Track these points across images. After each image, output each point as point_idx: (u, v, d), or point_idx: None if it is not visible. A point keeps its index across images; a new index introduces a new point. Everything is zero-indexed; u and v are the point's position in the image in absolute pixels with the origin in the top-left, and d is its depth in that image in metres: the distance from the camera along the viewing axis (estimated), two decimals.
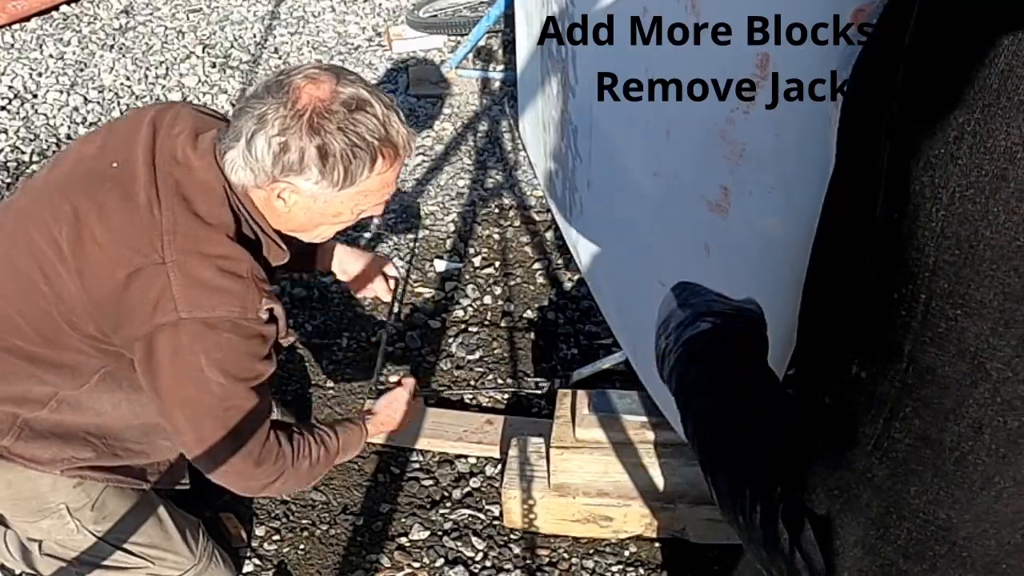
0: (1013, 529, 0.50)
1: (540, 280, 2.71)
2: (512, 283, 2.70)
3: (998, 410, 0.45)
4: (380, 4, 4.20)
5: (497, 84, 3.61)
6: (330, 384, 2.37)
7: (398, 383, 1.87)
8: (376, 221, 1.63)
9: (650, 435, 1.88)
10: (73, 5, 4.10)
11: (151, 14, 4.09)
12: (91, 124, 3.38)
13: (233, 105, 3.50)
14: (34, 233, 1.41)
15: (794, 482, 0.59)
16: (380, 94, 1.41)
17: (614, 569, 1.94)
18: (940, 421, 0.47)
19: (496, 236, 2.88)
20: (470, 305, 2.62)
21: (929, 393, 0.47)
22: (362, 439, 1.76)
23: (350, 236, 2.85)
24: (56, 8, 4.05)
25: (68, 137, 3.31)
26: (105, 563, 1.67)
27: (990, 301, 0.43)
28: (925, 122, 0.46)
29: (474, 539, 2.00)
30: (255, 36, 3.95)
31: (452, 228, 2.90)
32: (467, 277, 2.73)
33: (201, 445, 1.46)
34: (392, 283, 2.00)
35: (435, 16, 3.93)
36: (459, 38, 3.83)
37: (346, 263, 1.95)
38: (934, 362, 0.46)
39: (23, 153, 3.23)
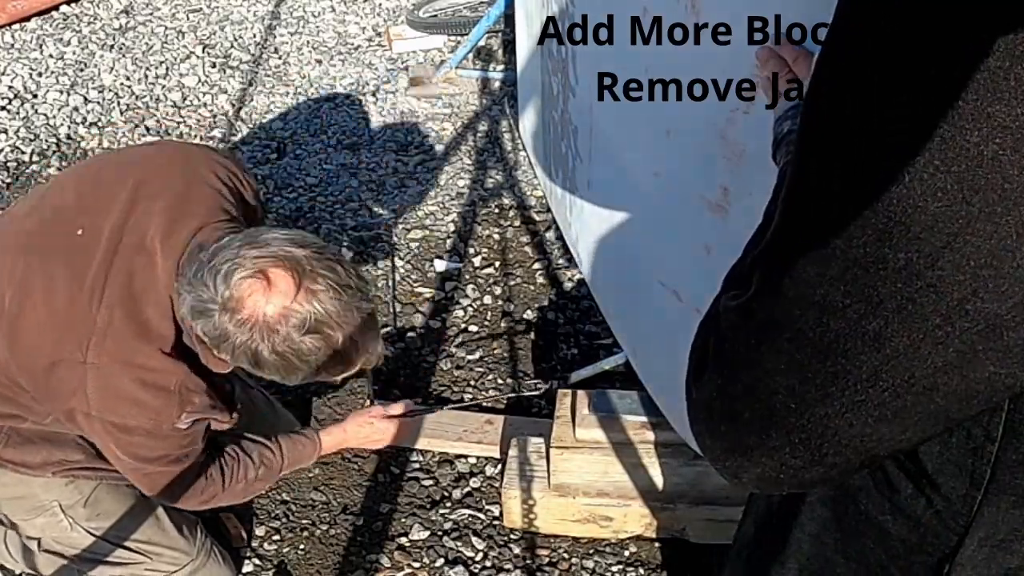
0: (805, 408, 0.55)
1: (540, 280, 2.71)
2: (512, 283, 2.70)
3: (826, 311, 0.51)
4: (380, 4, 4.20)
5: (497, 84, 3.61)
6: (330, 384, 2.37)
7: (392, 401, 1.95)
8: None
9: (650, 435, 1.88)
10: (73, 5, 4.10)
11: (151, 14, 4.09)
12: (91, 124, 3.38)
13: (233, 106, 3.50)
14: None
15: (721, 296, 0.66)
16: (354, 302, 1.25)
17: (614, 569, 1.94)
18: (786, 307, 0.54)
19: (496, 236, 2.88)
20: (470, 305, 2.62)
21: (785, 283, 0.53)
22: (315, 453, 1.77)
23: (351, 236, 2.85)
24: (56, 8, 4.05)
25: (68, 137, 3.31)
26: (102, 559, 1.68)
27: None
28: (907, 121, 0.45)
29: (474, 539, 2.00)
30: (255, 36, 3.95)
31: (452, 228, 2.90)
32: (467, 277, 2.73)
33: (134, 479, 1.52)
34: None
35: (435, 16, 3.93)
36: (459, 38, 3.82)
37: None
38: (796, 260, 0.53)
39: (23, 153, 3.23)
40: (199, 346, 1.37)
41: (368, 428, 1.88)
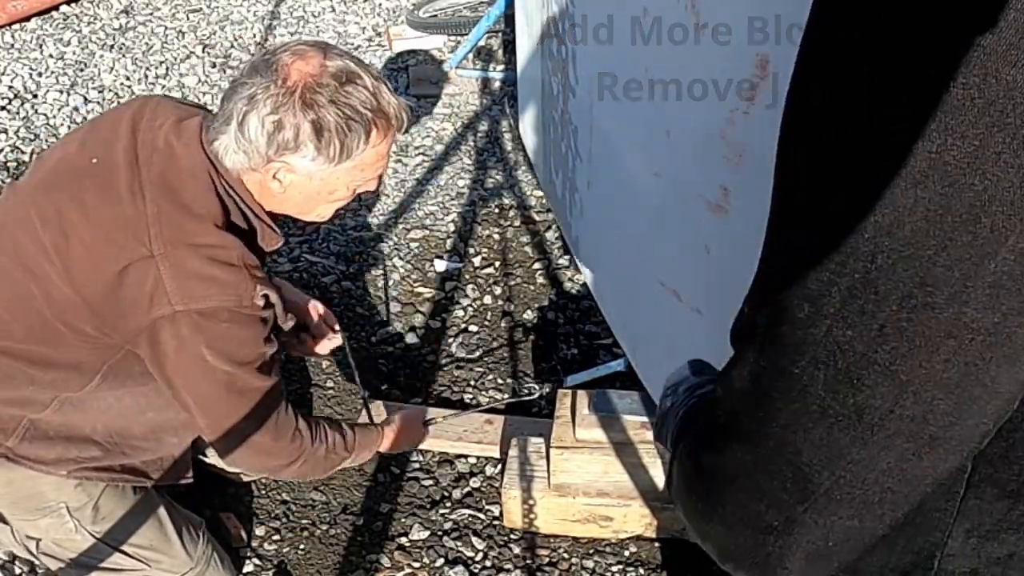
0: (838, 457, 0.54)
1: (540, 280, 2.71)
2: (512, 283, 2.70)
3: (831, 349, 0.51)
4: (380, 4, 4.20)
5: (497, 84, 3.61)
6: (330, 384, 2.37)
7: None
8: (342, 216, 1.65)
9: (650, 435, 1.88)
10: (73, 5, 4.10)
11: (151, 14, 4.09)
12: None
13: None
14: (20, 236, 1.41)
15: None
16: (368, 66, 1.41)
17: (614, 569, 1.94)
18: (790, 354, 0.53)
19: (496, 236, 2.88)
20: (470, 305, 2.62)
21: (783, 329, 0.53)
22: (377, 442, 1.82)
23: (351, 236, 2.85)
24: (56, 8, 4.05)
25: None
26: (100, 565, 1.67)
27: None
28: (906, 121, 0.45)
29: (474, 539, 2.00)
30: (255, 36, 3.95)
31: (452, 228, 2.90)
32: (467, 277, 2.73)
33: (216, 430, 1.50)
34: (337, 340, 1.93)
35: (435, 16, 3.93)
36: (459, 38, 3.83)
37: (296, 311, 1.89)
38: (786, 302, 0.53)
39: (23, 153, 3.23)
40: (251, 203, 1.44)
41: (417, 431, 2.01)
